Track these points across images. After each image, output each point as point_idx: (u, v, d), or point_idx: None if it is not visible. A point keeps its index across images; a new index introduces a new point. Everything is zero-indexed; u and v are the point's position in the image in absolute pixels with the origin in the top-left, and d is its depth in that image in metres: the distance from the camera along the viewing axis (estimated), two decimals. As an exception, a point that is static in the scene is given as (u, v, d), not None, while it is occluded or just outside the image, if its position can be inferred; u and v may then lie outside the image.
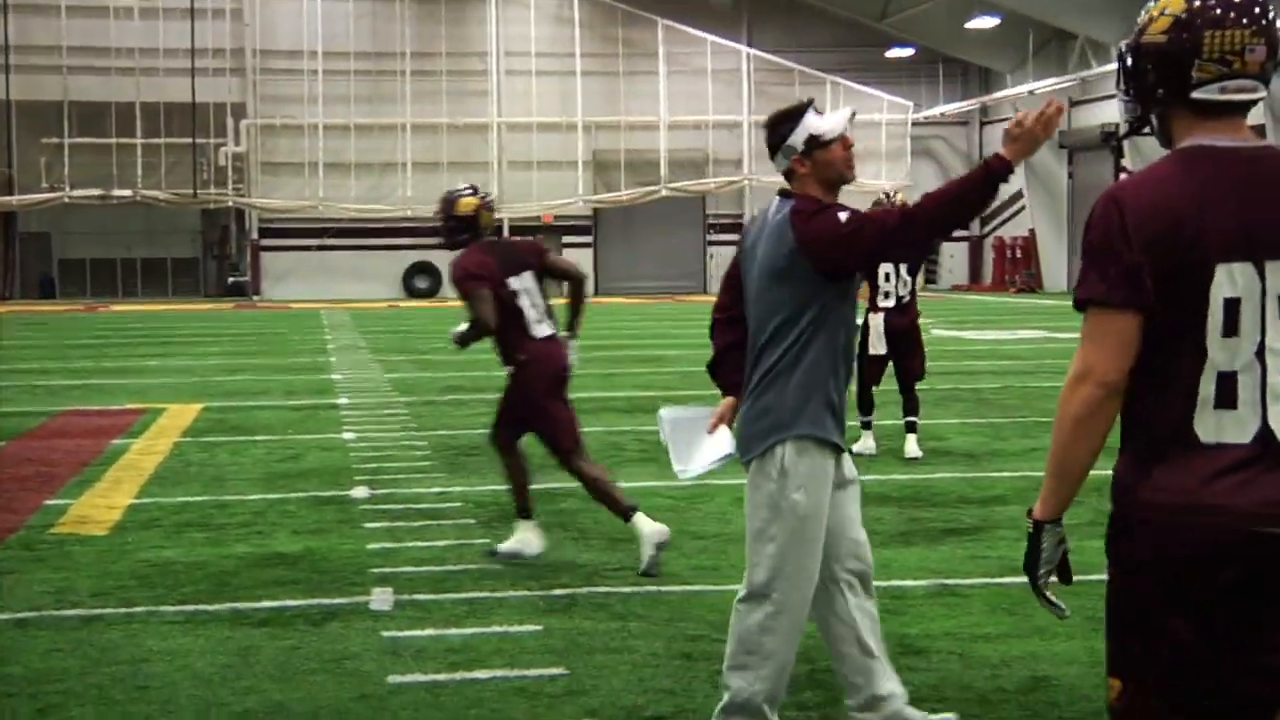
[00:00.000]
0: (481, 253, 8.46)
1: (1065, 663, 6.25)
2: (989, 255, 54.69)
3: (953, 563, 8.24)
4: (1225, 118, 3.23)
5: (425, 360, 22.38)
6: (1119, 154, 44.99)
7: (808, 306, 4.94)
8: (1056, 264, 48.94)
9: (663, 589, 7.71)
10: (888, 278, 12.39)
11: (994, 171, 4.62)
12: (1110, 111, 44.86)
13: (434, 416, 15.38)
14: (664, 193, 51.00)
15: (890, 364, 12.47)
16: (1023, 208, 50.99)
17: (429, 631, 6.89)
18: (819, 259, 4.89)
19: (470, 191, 8.78)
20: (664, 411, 5.44)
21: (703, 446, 5.27)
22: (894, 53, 52.89)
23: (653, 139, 51.54)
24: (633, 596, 7.55)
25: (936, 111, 52.74)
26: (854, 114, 5.16)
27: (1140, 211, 3.14)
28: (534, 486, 8.65)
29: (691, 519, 9.64)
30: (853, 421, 12.60)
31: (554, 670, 6.23)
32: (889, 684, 5.17)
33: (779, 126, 5.08)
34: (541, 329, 8.36)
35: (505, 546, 8.46)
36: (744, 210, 53.14)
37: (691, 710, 5.71)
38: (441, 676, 6.17)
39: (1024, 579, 3.33)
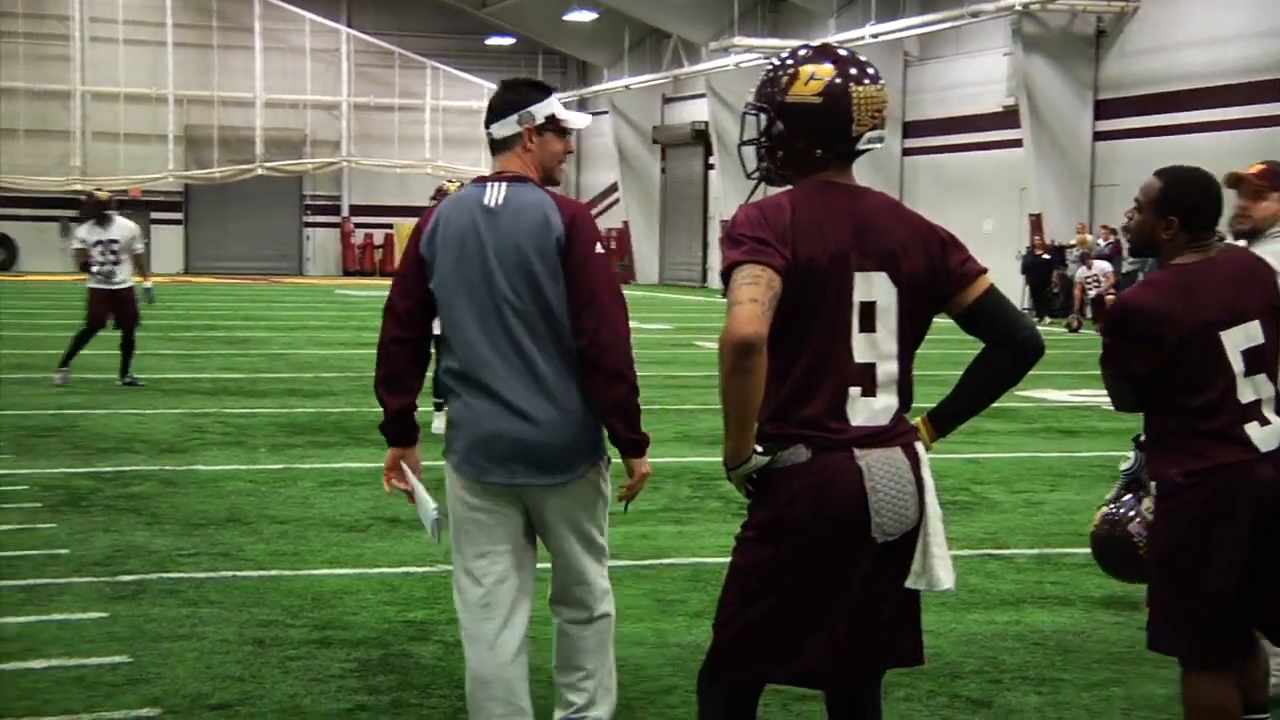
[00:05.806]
0: None
1: (633, 644, 6.40)
2: (584, 246, 55.56)
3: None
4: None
5: (-4, 337, 21.24)
6: (708, 152, 46.45)
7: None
8: (648, 256, 50.08)
9: (238, 574, 7.53)
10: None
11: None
12: (700, 110, 46.30)
13: (3, 395, 14.62)
14: (260, 171, 49.84)
15: None
16: (617, 200, 52.07)
17: (-19, 620, 6.54)
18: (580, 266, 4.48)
19: None
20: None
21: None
22: (494, 41, 53.16)
23: (248, 116, 50.28)
24: (206, 582, 7.35)
25: (536, 102, 53.11)
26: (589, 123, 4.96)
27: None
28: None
29: (272, 503, 9.46)
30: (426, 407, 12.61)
31: (116, 658, 6.00)
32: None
33: (527, 91, 4.59)
34: None
35: None
36: (341, 192, 52.46)
37: (259, 696, 5.60)
38: (-8, 667, 5.87)
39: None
